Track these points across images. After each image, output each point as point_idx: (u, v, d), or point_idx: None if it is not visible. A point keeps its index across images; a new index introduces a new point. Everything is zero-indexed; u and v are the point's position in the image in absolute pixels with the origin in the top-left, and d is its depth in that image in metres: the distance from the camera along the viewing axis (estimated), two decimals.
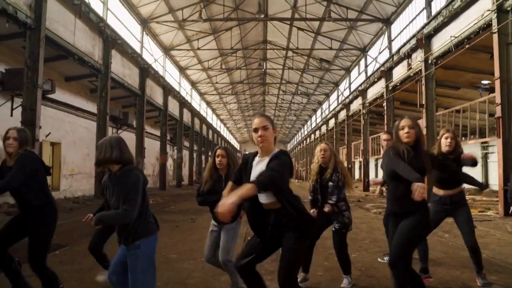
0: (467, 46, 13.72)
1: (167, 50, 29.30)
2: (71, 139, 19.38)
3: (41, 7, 12.14)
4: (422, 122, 16.96)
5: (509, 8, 11.23)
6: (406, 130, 3.40)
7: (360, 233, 8.53)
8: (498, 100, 11.42)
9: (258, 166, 2.91)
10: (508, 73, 11.35)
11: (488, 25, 12.05)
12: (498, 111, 11.37)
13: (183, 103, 32.09)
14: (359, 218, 11.28)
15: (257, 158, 3.00)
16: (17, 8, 11.17)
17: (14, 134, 3.91)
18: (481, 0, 12.66)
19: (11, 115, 14.72)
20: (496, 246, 6.94)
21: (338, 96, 38.57)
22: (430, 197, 4.52)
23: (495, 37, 11.55)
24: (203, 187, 4.25)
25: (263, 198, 2.85)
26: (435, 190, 4.72)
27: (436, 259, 5.78)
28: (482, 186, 4.63)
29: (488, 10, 11.92)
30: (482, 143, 28.72)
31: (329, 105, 43.08)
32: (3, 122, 14.28)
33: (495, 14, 11.53)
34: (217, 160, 4.19)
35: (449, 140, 4.52)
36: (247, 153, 3.20)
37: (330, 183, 4.47)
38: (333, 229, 4.56)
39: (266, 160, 2.85)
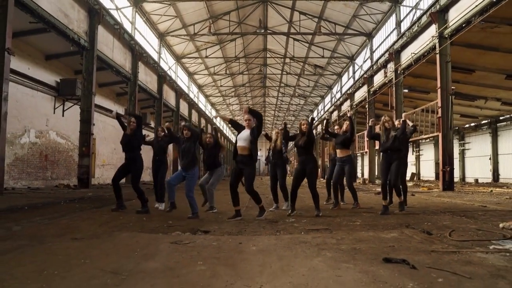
0: (423, 61, 17.47)
1: (178, 58, 33.24)
2: (102, 135, 23.18)
3: (93, 33, 15.98)
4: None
5: (447, 36, 15.03)
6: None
7: None
8: (439, 104, 15.23)
9: (245, 132, 6.64)
10: (447, 83, 15.17)
11: (435, 47, 15.85)
12: (439, 112, 15.19)
13: (192, 105, 35.88)
14: None
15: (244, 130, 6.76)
16: (79, 36, 15.01)
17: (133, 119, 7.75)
18: (430, 28, 16.45)
19: (63, 115, 18.52)
20: (425, 203, 10.70)
21: (331, 98, 42.41)
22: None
23: (438, 56, 15.36)
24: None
25: (241, 142, 6.60)
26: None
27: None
28: None
29: (433, 36, 15.75)
30: (459, 141, 32.78)
31: (324, 106, 46.92)
32: (58, 121, 18.23)
33: (437, 39, 15.36)
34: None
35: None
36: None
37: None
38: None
39: (248, 130, 6.62)
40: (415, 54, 17.83)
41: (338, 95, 37.69)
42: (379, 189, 16.90)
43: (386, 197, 7.41)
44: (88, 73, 15.83)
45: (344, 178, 8.75)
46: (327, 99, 45.58)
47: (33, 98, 16.39)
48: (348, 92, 30.46)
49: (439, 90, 15.28)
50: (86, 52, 15.80)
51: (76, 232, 5.01)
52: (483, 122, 30.85)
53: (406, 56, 19.09)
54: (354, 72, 32.64)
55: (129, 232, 5.10)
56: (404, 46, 19.57)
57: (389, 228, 5.39)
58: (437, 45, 15.46)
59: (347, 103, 31.38)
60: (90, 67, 15.86)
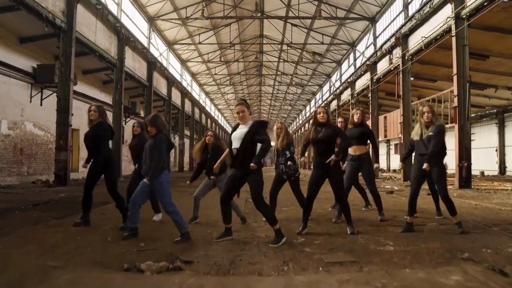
0: (435, 45, 15.97)
1: (170, 44, 31.49)
2: (87, 126, 21.54)
3: (72, 12, 14.33)
4: (400, 110, 19.35)
5: (464, 16, 13.52)
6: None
7: None
8: (455, 92, 13.77)
9: (241, 129, 4.96)
10: (464, 69, 13.69)
11: (450, 29, 14.33)
12: (455, 101, 13.73)
13: (185, 93, 34.26)
14: None
15: (240, 126, 5.07)
16: (55, 15, 13.36)
17: (95, 108, 6.16)
18: (444, 8, 14.92)
19: (41, 104, 16.92)
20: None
21: (330, 87, 40.87)
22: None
23: (454, 39, 13.86)
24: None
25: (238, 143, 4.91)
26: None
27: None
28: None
29: (448, 17, 14.21)
30: None
31: (322, 96, 45.39)
32: (35, 110, 16.61)
33: (454, 21, 13.84)
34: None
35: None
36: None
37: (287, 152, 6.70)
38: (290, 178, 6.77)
39: (245, 126, 4.96)
40: (426, 38, 16.32)
41: (338, 84, 36.16)
42: (387, 186, 15.54)
43: (413, 213, 5.79)
44: (65, 57, 14.24)
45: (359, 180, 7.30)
46: (325, 88, 44.04)
47: (6, 85, 14.78)
48: (349, 80, 28.92)
49: (455, 77, 13.81)
50: (63, 34, 14.20)
51: None
52: (488, 112, 29.49)
53: (415, 41, 17.58)
54: (355, 59, 31.08)
55: (73, 273, 3.59)
56: (412, 30, 18.03)
57: (439, 261, 3.92)
58: (453, 26, 13.94)
59: (347, 92, 29.88)
60: (68, 50, 14.26)
